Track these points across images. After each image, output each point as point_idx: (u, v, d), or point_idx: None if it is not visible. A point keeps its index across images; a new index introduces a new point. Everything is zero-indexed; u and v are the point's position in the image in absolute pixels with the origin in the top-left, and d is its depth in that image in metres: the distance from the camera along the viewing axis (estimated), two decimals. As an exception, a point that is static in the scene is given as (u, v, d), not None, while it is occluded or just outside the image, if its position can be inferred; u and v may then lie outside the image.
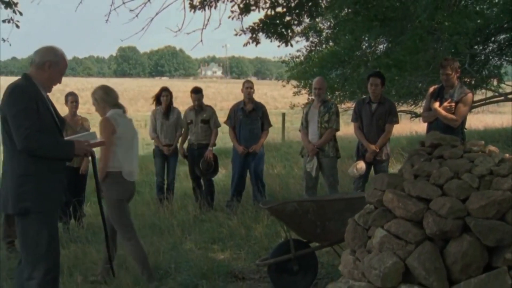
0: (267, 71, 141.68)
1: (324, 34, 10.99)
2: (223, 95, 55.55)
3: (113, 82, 74.75)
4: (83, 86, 58.10)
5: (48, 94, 3.38)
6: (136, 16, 5.40)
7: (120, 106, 4.33)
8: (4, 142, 3.16)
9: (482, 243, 2.59)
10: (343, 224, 3.76)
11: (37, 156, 3.08)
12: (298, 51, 11.12)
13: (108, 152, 4.07)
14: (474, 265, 2.59)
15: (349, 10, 8.74)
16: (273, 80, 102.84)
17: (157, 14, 5.36)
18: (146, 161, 11.89)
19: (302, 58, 12.08)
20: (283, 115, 18.05)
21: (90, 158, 3.56)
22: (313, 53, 11.36)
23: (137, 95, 54.15)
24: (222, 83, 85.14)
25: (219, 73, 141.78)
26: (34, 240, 3.13)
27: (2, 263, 4.99)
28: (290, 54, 12.44)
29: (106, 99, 4.28)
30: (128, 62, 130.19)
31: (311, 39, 11.12)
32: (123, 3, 5.24)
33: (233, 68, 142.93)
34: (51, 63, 3.26)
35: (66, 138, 3.49)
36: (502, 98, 10.73)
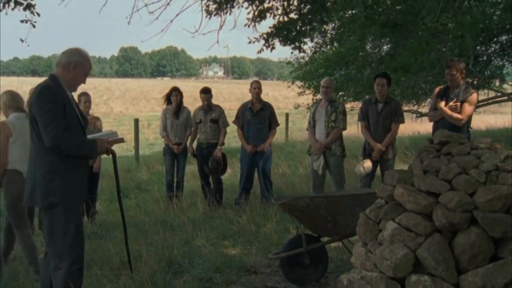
0: (269, 71, 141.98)
1: (328, 35, 11.14)
2: (224, 96, 55.65)
3: (114, 82, 74.92)
4: (85, 86, 57.32)
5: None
6: (157, 18, 5.57)
7: (22, 110, 4.73)
8: (33, 140, 3.31)
9: (489, 235, 2.72)
10: (353, 219, 3.91)
11: (63, 154, 3.24)
12: (303, 52, 11.26)
13: (5, 153, 4.53)
14: (481, 256, 2.73)
15: (353, 11, 8.91)
16: (274, 80, 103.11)
17: (176, 16, 5.53)
18: (152, 160, 12.07)
19: (307, 59, 12.25)
20: (287, 115, 18.20)
21: (111, 156, 3.69)
22: (317, 54, 11.52)
23: (139, 95, 54.25)
24: (223, 83, 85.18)
25: (220, 73, 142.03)
26: (61, 232, 3.29)
27: (18, 257, 5.15)
28: (295, 55, 12.61)
29: (9, 104, 4.71)
30: (129, 63, 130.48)
31: (315, 40, 11.27)
32: (145, 5, 5.40)
33: (235, 68, 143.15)
34: (76, 64, 3.41)
35: (88, 137, 3.64)
36: (506, 98, 10.85)
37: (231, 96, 54.95)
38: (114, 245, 5.02)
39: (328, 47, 11.34)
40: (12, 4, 5.27)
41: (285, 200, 4.17)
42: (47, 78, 3.42)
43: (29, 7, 5.51)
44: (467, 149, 3.08)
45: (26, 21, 5.64)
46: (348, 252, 4.46)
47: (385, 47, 10.01)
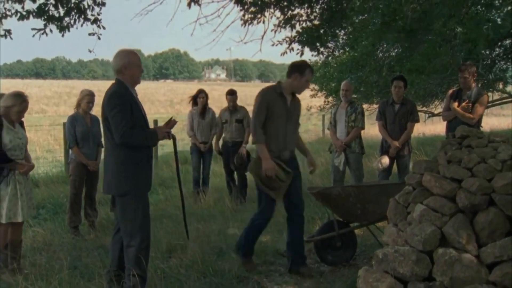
0: (271, 73, 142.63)
1: (340, 40, 11.63)
2: (228, 98, 56.00)
3: (118, 85, 75.36)
4: (89, 89, 58.29)
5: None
6: (214, 30, 6.08)
7: None
8: (106, 136, 3.83)
9: (505, 214, 3.20)
10: (380, 206, 4.43)
11: (132, 147, 3.75)
12: (312, 55, 11.77)
13: None
14: (498, 232, 3.21)
15: (365, 16, 9.41)
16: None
17: (227, 27, 6.02)
18: (169, 159, 12.59)
19: (320, 62, 12.75)
20: (295, 116, 18.67)
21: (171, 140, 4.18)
22: (330, 58, 12.01)
23: (143, 98, 53.96)
24: (226, 86, 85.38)
25: (223, 75, 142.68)
26: (132, 215, 3.79)
27: (68, 244, 5.66)
28: (309, 59, 13.11)
29: None
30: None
31: (328, 44, 11.73)
32: (207, 21, 5.92)
33: (237, 71, 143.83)
34: (125, 65, 3.90)
35: None
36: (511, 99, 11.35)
37: (234, 98, 55.29)
38: (160, 232, 5.52)
39: (341, 51, 11.85)
40: (81, 19, 5.77)
41: (319, 189, 4.68)
42: (114, 82, 3.92)
43: (96, 21, 6.00)
44: (485, 142, 3.57)
45: (93, 34, 6.13)
46: (373, 236, 4.97)
47: (395, 51, 10.51)
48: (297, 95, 4.77)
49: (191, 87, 72.43)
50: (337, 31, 10.31)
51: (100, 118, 6.30)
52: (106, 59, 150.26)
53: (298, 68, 4.59)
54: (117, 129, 3.68)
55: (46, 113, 37.65)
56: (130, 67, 3.90)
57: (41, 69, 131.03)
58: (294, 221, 4.62)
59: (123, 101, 3.76)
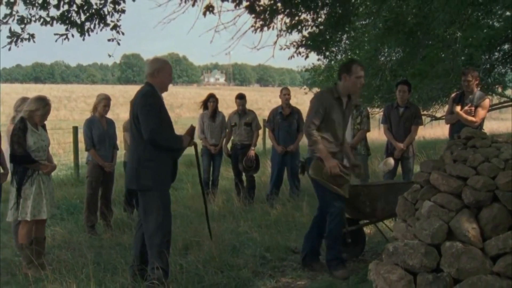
0: (270, 78, 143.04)
1: (343, 44, 11.90)
2: (228, 102, 56.30)
3: (117, 89, 75.74)
4: (89, 93, 59.16)
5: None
6: (232, 38, 6.34)
7: None
8: (132, 133, 4.06)
9: (508, 209, 3.43)
10: (387, 204, 4.66)
11: (158, 145, 3.98)
12: (318, 59, 12.08)
13: None
14: (501, 226, 3.43)
15: (367, 21, 9.67)
16: (275, 87, 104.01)
17: (244, 33, 6.28)
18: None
19: (323, 66, 13.04)
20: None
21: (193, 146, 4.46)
22: (333, 62, 12.28)
23: (143, 102, 54.73)
24: (226, 90, 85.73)
25: (221, 80, 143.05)
26: (154, 211, 4.01)
27: (86, 242, 5.87)
28: (313, 63, 13.46)
29: None
30: (132, 69, 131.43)
31: (332, 48, 11.99)
32: (225, 28, 6.18)
33: (236, 75, 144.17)
34: (159, 70, 4.17)
35: None
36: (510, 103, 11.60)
37: (233, 103, 55.47)
38: (175, 231, 5.72)
39: (343, 55, 12.12)
40: (101, 25, 6.01)
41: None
42: (144, 85, 4.17)
43: (115, 27, 6.23)
44: (488, 142, 3.81)
45: (113, 40, 6.37)
46: (381, 234, 5.20)
47: (397, 55, 10.76)
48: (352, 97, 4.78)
49: (190, 91, 72.51)
50: (342, 36, 10.57)
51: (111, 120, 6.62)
52: (105, 63, 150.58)
53: (345, 68, 4.56)
54: (147, 126, 3.92)
55: (47, 117, 37.64)
56: (162, 72, 4.18)
57: (40, 74, 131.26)
58: (321, 219, 4.69)
59: (154, 101, 4.02)
